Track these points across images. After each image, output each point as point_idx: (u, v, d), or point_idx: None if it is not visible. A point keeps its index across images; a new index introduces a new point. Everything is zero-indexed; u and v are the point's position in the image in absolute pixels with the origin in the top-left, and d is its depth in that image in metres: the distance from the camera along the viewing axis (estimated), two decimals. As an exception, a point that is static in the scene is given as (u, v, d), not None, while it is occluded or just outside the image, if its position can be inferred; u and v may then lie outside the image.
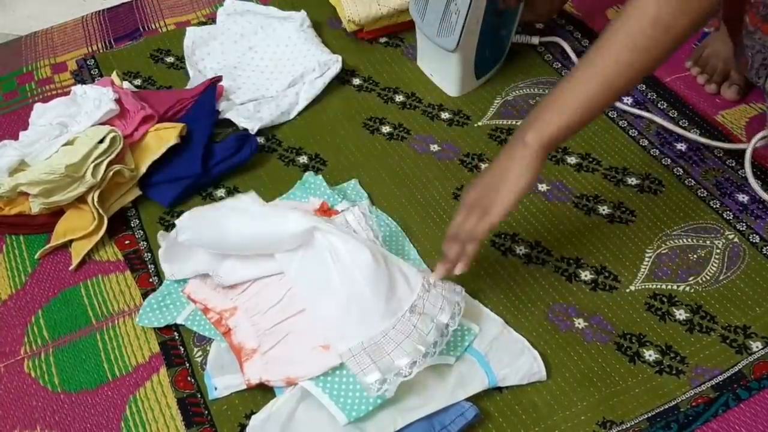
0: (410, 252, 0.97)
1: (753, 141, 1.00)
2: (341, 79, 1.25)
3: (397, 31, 1.32)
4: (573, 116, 0.78)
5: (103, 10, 1.47)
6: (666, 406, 0.80)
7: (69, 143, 1.03)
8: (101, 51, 1.37)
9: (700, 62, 1.18)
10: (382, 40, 1.32)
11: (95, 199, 1.01)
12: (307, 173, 1.07)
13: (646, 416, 0.79)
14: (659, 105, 1.14)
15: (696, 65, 1.18)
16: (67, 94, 1.16)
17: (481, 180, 0.82)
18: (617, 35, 0.77)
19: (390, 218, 1.01)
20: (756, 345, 0.84)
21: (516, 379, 0.82)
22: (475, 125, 1.15)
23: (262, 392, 0.83)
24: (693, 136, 1.07)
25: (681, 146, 1.07)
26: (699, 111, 1.12)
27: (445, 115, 1.17)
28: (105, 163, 1.01)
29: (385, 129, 1.16)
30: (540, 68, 1.23)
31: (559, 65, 1.22)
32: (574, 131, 0.80)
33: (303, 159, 1.12)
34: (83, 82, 1.28)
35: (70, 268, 1.00)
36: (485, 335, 0.85)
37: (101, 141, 1.02)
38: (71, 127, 1.07)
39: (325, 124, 1.18)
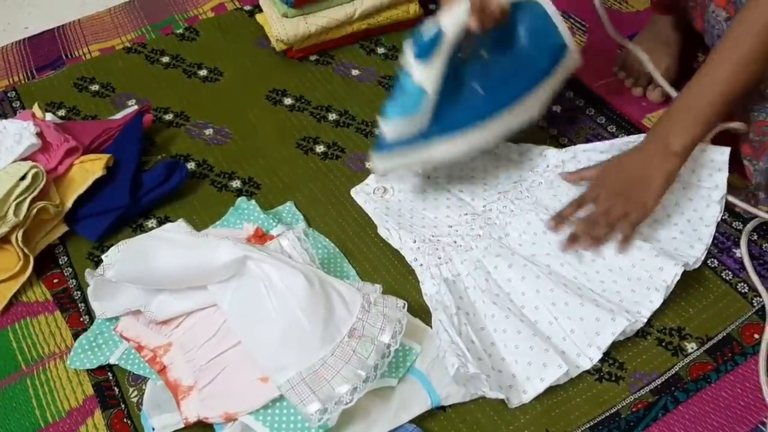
0: (349, 272, 0.96)
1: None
2: (272, 99, 1.23)
3: (326, 49, 1.31)
4: (712, 116, 0.86)
5: (24, 39, 1.42)
6: (607, 414, 0.80)
7: (-12, 182, 0.99)
8: (23, 82, 1.32)
9: (626, 66, 1.20)
10: (312, 58, 1.30)
11: (19, 239, 0.97)
12: (239, 198, 1.05)
13: (589, 425, 0.80)
14: (587, 111, 1.15)
15: (622, 70, 1.20)
16: (-14, 130, 1.11)
17: (622, 172, 0.90)
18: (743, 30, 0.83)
19: (327, 240, 1.00)
20: (691, 346, 0.85)
21: (459, 396, 0.82)
22: (409, 140, 1.14)
23: (202, 430, 0.81)
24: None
25: (611, 151, 1.08)
26: (626, 115, 1.14)
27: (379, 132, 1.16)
28: (28, 200, 0.98)
29: (320, 148, 1.15)
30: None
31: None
32: (712, 128, 0.90)
33: (236, 183, 1.10)
34: (5, 115, 1.23)
35: (-4, 312, 0.97)
36: (426, 354, 0.85)
37: (23, 178, 0.99)
38: (-9, 165, 1.03)
39: (258, 147, 1.16)
